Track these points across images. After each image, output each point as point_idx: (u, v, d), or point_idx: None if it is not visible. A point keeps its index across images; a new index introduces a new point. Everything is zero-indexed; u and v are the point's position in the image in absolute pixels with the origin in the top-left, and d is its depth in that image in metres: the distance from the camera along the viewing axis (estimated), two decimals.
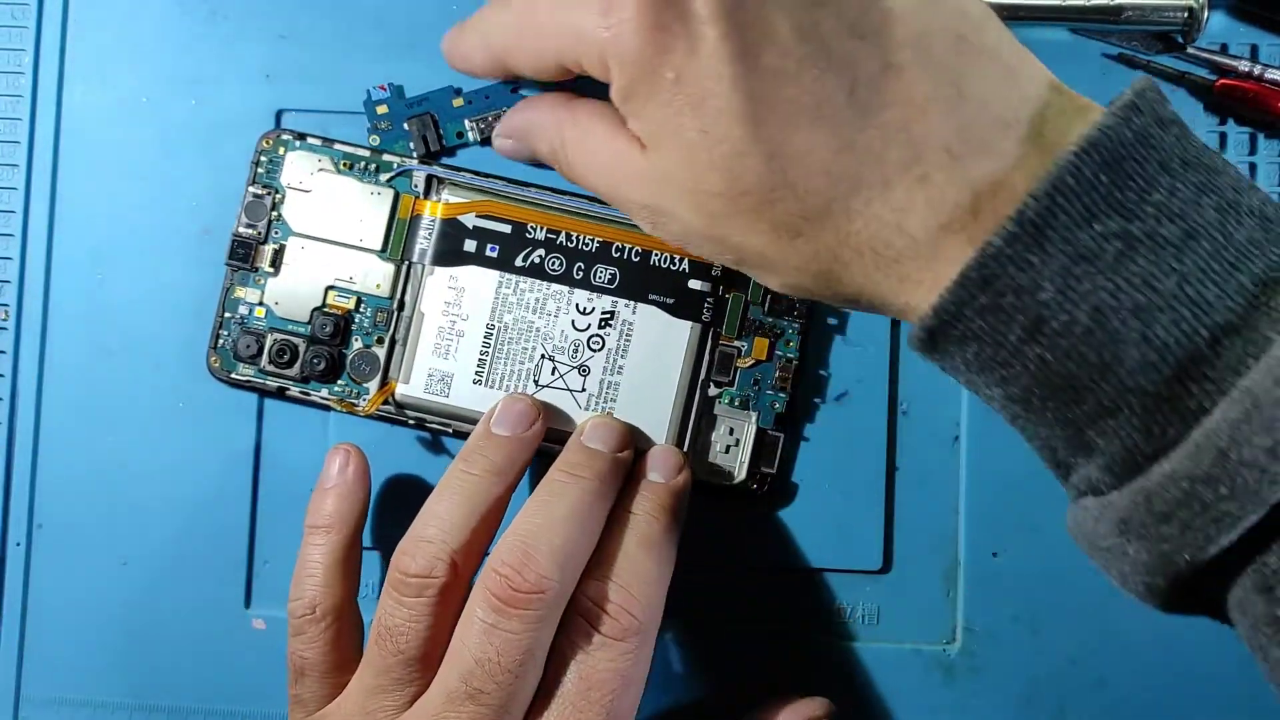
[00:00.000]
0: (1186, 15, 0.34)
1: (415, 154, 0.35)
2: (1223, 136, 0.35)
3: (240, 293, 0.34)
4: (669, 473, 0.31)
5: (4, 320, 0.36)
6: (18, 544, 0.35)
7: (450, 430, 0.34)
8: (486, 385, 0.33)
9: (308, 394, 0.34)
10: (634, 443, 0.32)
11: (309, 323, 0.34)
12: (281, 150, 0.34)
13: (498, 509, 0.30)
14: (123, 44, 0.36)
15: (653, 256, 0.33)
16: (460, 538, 0.29)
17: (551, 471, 0.30)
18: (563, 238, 0.33)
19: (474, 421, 0.32)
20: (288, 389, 0.34)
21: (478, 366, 0.33)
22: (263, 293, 0.34)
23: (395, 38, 0.36)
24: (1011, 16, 0.34)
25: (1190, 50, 0.35)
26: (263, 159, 0.34)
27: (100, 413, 0.35)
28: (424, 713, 0.27)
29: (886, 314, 0.25)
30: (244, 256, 0.34)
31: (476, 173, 0.34)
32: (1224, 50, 0.35)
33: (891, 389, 0.35)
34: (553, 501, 0.29)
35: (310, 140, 0.34)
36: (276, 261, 0.34)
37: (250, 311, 0.34)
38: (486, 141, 0.35)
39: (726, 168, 0.23)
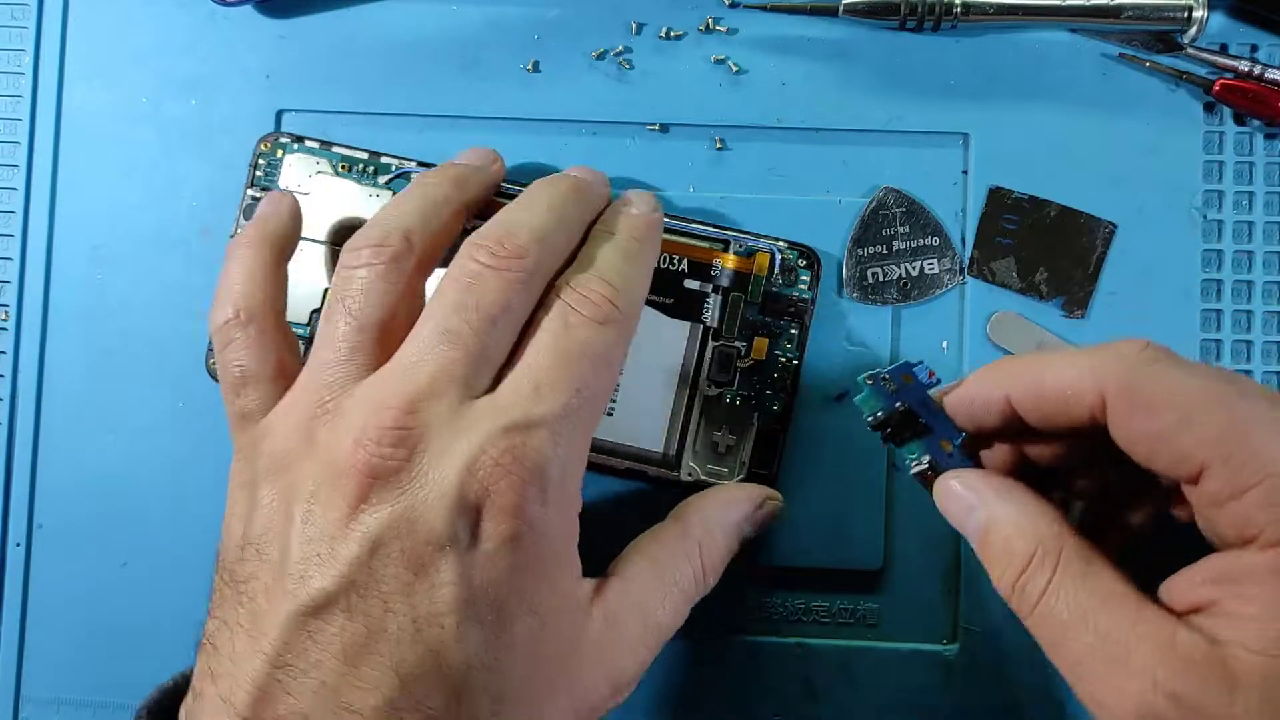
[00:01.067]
0: (1186, 15, 0.34)
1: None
2: (1222, 136, 0.35)
3: None
4: (646, 208, 0.31)
5: (4, 320, 0.36)
6: (18, 544, 0.35)
7: None
8: None
9: None
10: (608, 182, 0.32)
11: (308, 324, 0.34)
12: (280, 153, 0.34)
13: (455, 218, 0.30)
14: (123, 44, 0.36)
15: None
16: (413, 221, 0.28)
17: (530, 184, 0.30)
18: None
19: None
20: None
21: None
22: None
23: (395, 38, 0.36)
24: (1012, 16, 0.34)
25: (1190, 50, 0.35)
26: (261, 162, 0.34)
27: (100, 413, 0.35)
28: (396, 363, 0.26)
29: None
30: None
31: None
32: (1224, 50, 0.35)
33: None
34: (529, 196, 0.29)
35: (308, 143, 0.34)
36: None
37: None
38: None
39: None
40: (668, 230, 0.33)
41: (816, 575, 0.35)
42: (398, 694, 0.23)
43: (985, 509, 0.26)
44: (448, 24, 0.36)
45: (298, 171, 0.34)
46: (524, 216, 0.28)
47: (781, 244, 0.34)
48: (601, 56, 0.36)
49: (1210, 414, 0.22)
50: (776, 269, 0.34)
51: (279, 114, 0.36)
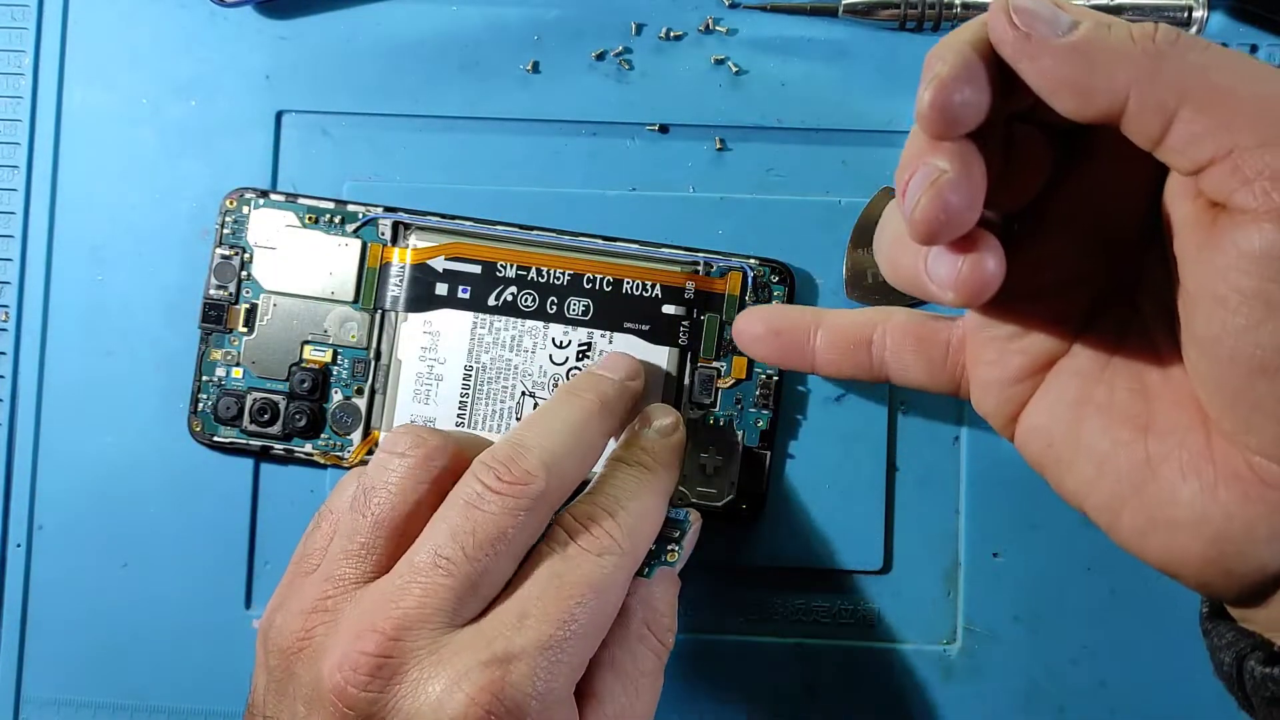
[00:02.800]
0: (1186, 15, 0.34)
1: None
2: None
3: (216, 355, 0.34)
4: (667, 427, 0.31)
5: (4, 321, 0.36)
6: (18, 545, 0.35)
7: None
8: (469, 427, 0.33)
9: (292, 451, 0.34)
10: (643, 375, 0.32)
11: (287, 379, 0.34)
12: (245, 209, 0.34)
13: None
14: (123, 44, 0.36)
15: (624, 285, 0.34)
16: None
17: (555, 391, 0.30)
18: (533, 273, 0.33)
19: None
20: (271, 448, 0.34)
21: (459, 409, 0.33)
22: (239, 353, 0.34)
23: (395, 38, 0.36)
24: None
25: None
26: (227, 219, 0.34)
27: (100, 413, 0.35)
28: (387, 582, 0.26)
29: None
30: (217, 318, 0.34)
31: (442, 215, 0.34)
32: None
33: (891, 389, 0.35)
34: (549, 412, 0.29)
35: (273, 197, 0.34)
36: (250, 321, 0.34)
37: (228, 373, 0.34)
38: None
39: None
40: (639, 258, 0.34)
41: (816, 575, 0.35)
42: None
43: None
44: (448, 24, 0.36)
45: (265, 227, 0.34)
46: (538, 436, 0.28)
47: (753, 261, 0.34)
48: (601, 57, 0.36)
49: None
50: (749, 287, 0.34)
51: (279, 114, 0.36)
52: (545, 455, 0.27)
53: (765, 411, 0.34)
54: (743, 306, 0.34)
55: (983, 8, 0.34)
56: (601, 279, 0.34)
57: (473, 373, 0.33)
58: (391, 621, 0.25)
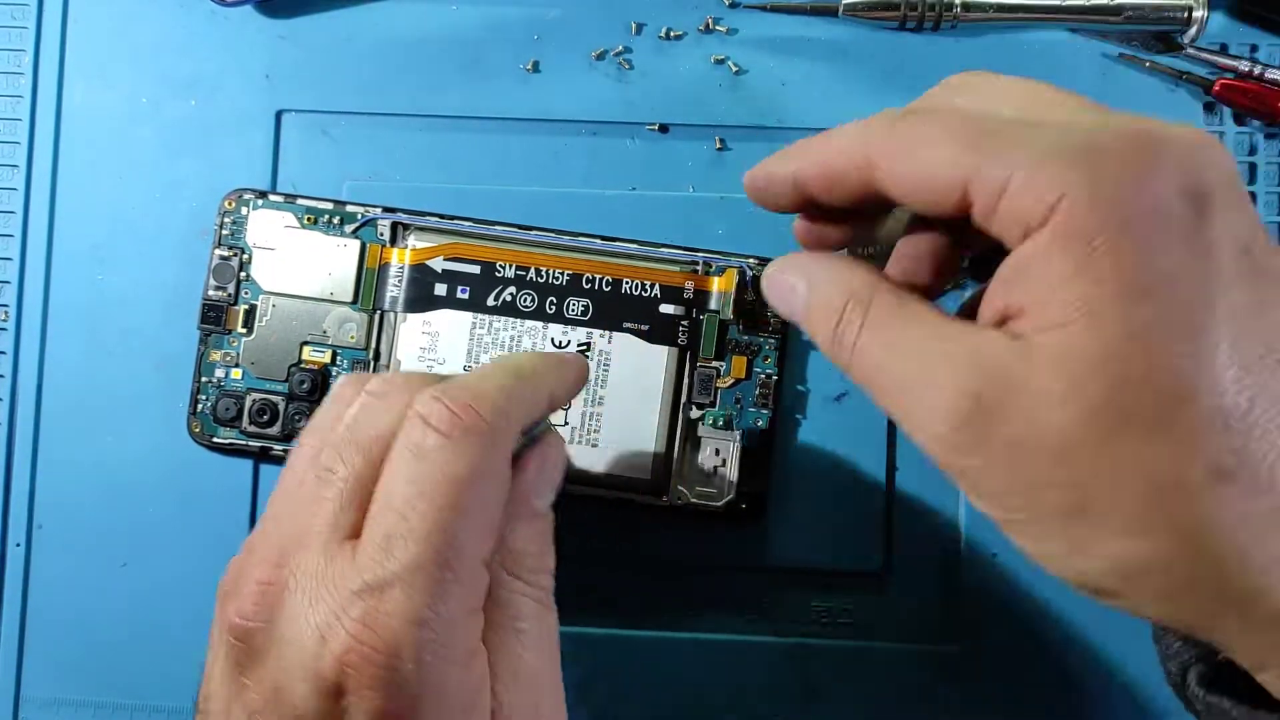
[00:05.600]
0: (1186, 15, 0.34)
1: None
2: (1222, 136, 0.35)
3: (215, 356, 0.34)
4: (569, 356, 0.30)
5: (4, 320, 0.36)
6: (18, 544, 0.35)
7: None
8: None
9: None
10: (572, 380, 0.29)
11: (287, 380, 0.34)
12: (244, 210, 0.34)
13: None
14: (123, 44, 0.36)
15: (624, 285, 0.34)
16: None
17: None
18: (532, 273, 0.33)
19: None
20: (271, 449, 0.34)
21: None
22: (238, 354, 0.34)
23: (395, 38, 0.36)
24: (1012, 16, 0.34)
25: (1190, 50, 0.35)
26: (226, 220, 0.34)
27: (100, 413, 0.35)
28: (277, 508, 0.25)
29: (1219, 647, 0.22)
30: (216, 319, 0.34)
31: (441, 215, 0.34)
32: (1224, 50, 0.35)
33: None
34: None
35: (272, 197, 0.34)
36: (249, 322, 0.34)
37: (227, 374, 0.34)
38: None
39: None
40: (639, 258, 0.34)
41: (816, 575, 0.35)
42: None
43: (804, 280, 0.25)
44: (448, 24, 0.36)
45: (264, 227, 0.34)
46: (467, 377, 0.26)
47: (752, 261, 0.34)
48: (601, 56, 0.36)
49: (955, 132, 0.22)
50: (747, 286, 0.34)
51: (279, 114, 0.36)
52: (455, 386, 0.25)
53: (765, 411, 0.34)
54: (740, 305, 0.34)
55: (983, 8, 0.34)
56: (601, 279, 0.34)
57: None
58: (276, 546, 0.24)
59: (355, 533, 0.23)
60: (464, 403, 0.24)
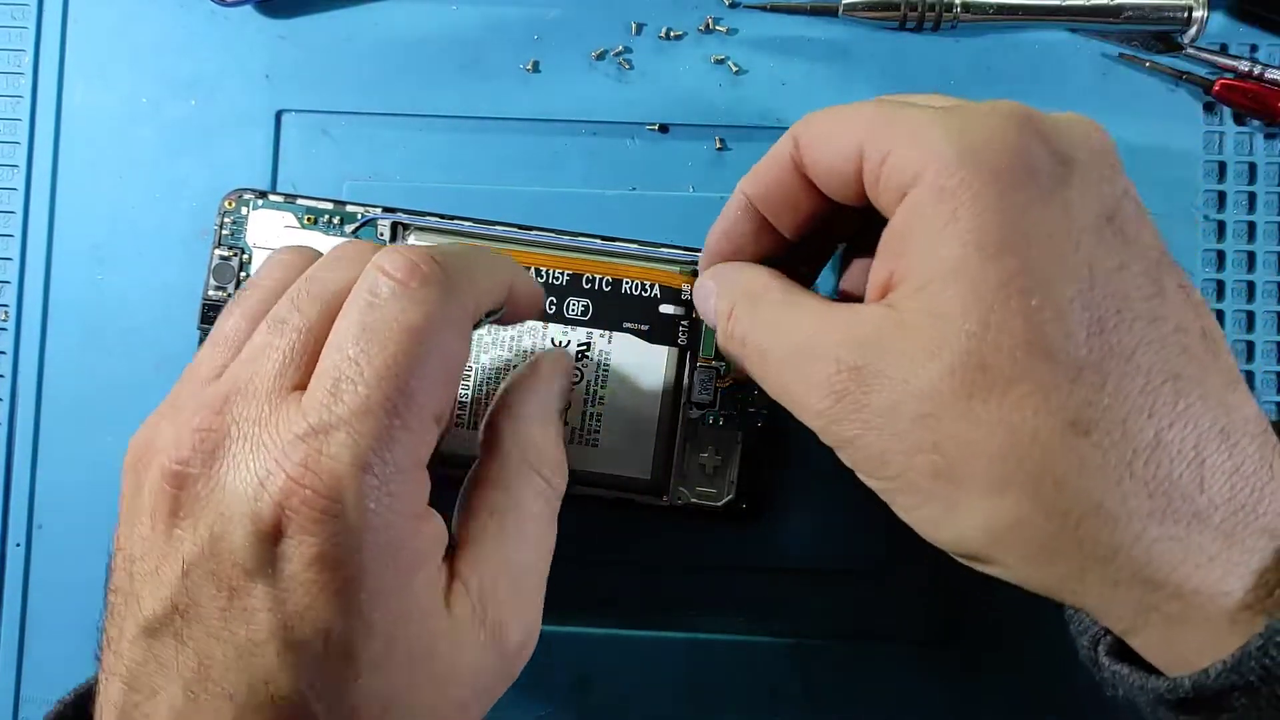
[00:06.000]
0: (1186, 15, 0.34)
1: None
2: (1222, 136, 0.35)
3: None
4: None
5: (4, 320, 0.36)
6: (17, 544, 0.35)
7: (436, 475, 0.34)
8: (469, 428, 0.33)
9: None
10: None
11: None
12: (244, 210, 0.34)
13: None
14: (123, 44, 0.36)
15: (624, 285, 0.33)
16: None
17: None
18: (532, 273, 0.33)
19: (464, 463, 0.28)
20: None
21: (458, 410, 0.33)
22: None
23: (395, 38, 0.36)
24: (1012, 16, 0.34)
25: (1190, 50, 0.35)
26: (226, 220, 0.34)
27: (100, 413, 0.35)
28: (241, 357, 0.24)
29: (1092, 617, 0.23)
30: (215, 319, 0.34)
31: (441, 215, 0.34)
32: (1224, 50, 0.35)
33: None
34: None
35: (272, 197, 0.34)
36: None
37: None
38: None
39: None
40: (639, 258, 0.34)
41: (816, 575, 0.35)
42: None
43: (714, 283, 0.27)
44: (448, 24, 0.36)
45: (264, 228, 0.34)
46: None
47: None
48: (601, 56, 0.36)
49: (860, 114, 0.24)
50: None
51: (279, 114, 0.36)
52: (416, 246, 0.25)
53: (765, 411, 0.34)
54: None
55: (983, 8, 0.34)
56: (600, 279, 0.33)
57: (472, 374, 0.33)
58: (220, 393, 0.23)
59: (302, 385, 0.23)
60: (424, 255, 0.23)
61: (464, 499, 0.26)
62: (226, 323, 0.25)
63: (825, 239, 0.29)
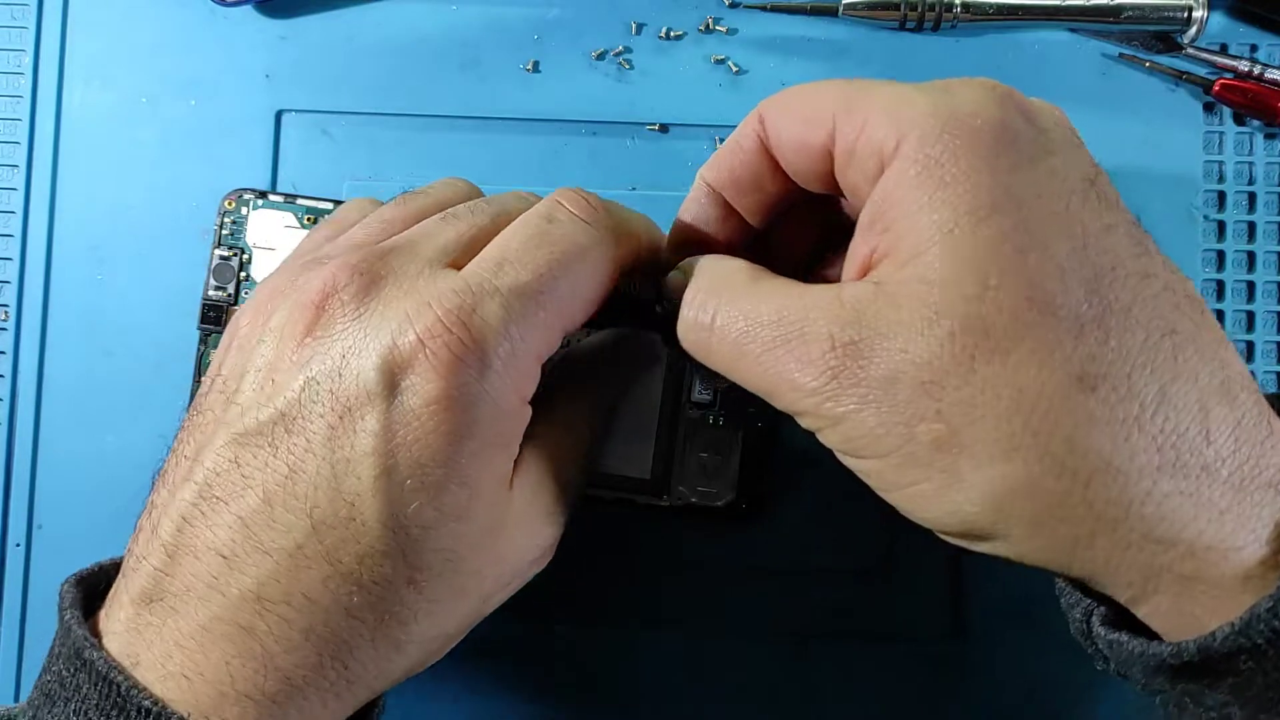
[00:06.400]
0: (1186, 15, 0.34)
1: None
2: (1222, 136, 0.35)
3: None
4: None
5: (4, 320, 0.36)
6: (17, 544, 0.35)
7: None
8: None
9: None
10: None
11: None
12: (244, 210, 0.34)
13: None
14: (123, 44, 0.36)
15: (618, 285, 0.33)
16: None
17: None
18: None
19: None
20: None
21: None
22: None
23: (395, 38, 0.36)
24: (1012, 16, 0.34)
25: (1190, 50, 0.35)
26: (226, 220, 0.34)
27: (100, 413, 0.35)
28: (408, 231, 0.26)
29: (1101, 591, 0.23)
30: (216, 319, 0.34)
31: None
32: (1224, 50, 0.35)
33: None
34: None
35: (272, 197, 0.34)
36: None
37: None
38: None
39: None
40: None
41: (816, 575, 0.35)
42: (308, 540, 0.22)
43: (684, 273, 0.26)
44: (448, 24, 0.36)
45: (264, 227, 0.34)
46: None
47: None
48: (601, 56, 0.36)
49: (829, 89, 0.24)
50: None
51: (279, 114, 0.36)
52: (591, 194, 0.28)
53: (765, 411, 0.34)
54: None
55: (983, 8, 0.34)
56: None
57: None
58: (382, 246, 0.25)
59: (458, 265, 0.25)
60: (598, 200, 0.27)
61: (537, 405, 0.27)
62: (390, 209, 0.28)
63: (795, 237, 0.29)
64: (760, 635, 0.35)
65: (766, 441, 0.34)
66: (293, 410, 0.23)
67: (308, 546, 0.22)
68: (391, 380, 0.22)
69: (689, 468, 0.33)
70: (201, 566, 0.22)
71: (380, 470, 0.22)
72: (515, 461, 0.25)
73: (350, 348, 0.23)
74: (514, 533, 0.25)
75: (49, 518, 0.35)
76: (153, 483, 0.25)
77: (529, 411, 0.25)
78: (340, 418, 0.22)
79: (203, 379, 0.25)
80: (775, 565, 0.35)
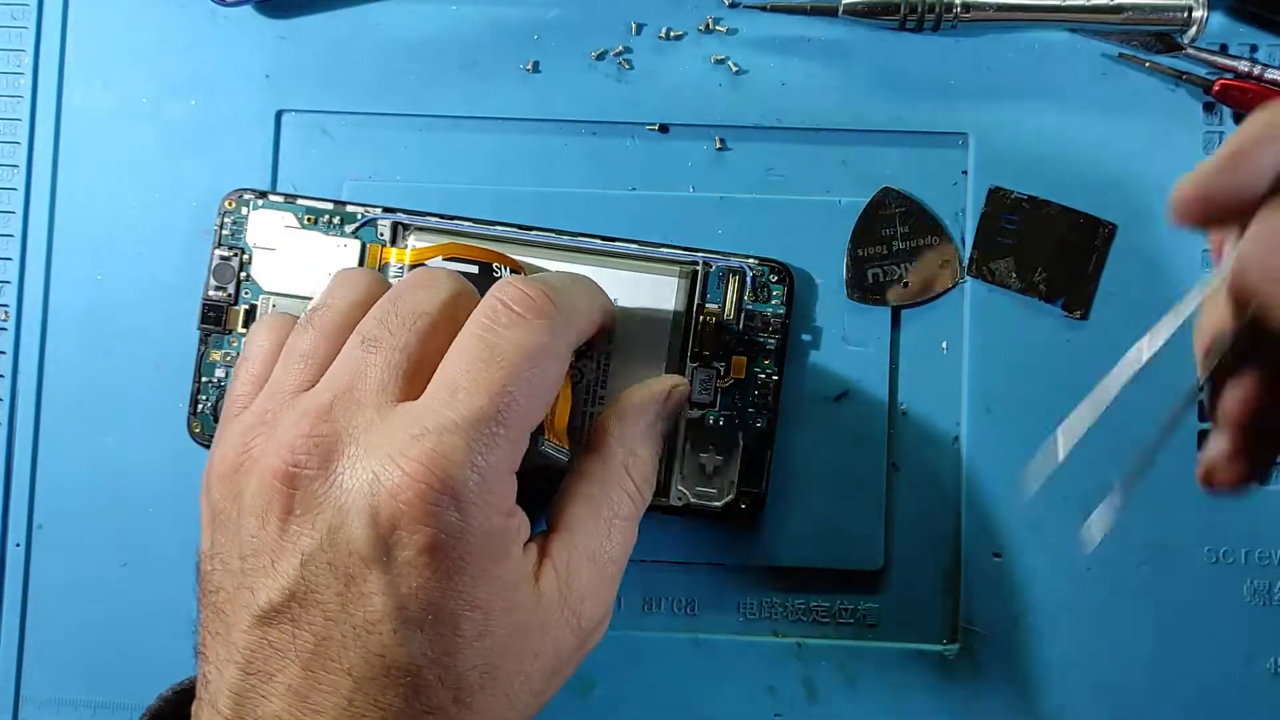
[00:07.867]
0: (1186, 15, 0.34)
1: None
2: (1222, 136, 0.35)
3: (215, 356, 0.34)
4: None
5: (4, 320, 0.36)
6: (17, 544, 0.35)
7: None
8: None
9: None
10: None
11: None
12: (244, 210, 0.34)
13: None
14: (123, 44, 0.36)
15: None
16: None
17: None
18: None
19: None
20: None
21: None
22: (238, 354, 0.34)
23: (395, 38, 0.36)
24: (1012, 16, 0.34)
25: (1190, 50, 0.35)
26: (226, 220, 0.34)
27: (100, 413, 0.35)
28: (326, 375, 0.26)
29: None
30: (216, 319, 0.34)
31: (441, 215, 0.34)
32: (1224, 50, 0.35)
33: (891, 389, 0.35)
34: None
35: (272, 198, 0.34)
36: (249, 322, 0.34)
37: (227, 374, 0.34)
38: None
39: None
40: (639, 258, 0.33)
41: (816, 575, 0.35)
42: (355, 694, 0.24)
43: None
44: (448, 24, 0.36)
45: (264, 228, 0.34)
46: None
47: (752, 261, 0.34)
48: (601, 56, 0.36)
49: None
50: (748, 287, 0.34)
51: (279, 114, 0.36)
52: (532, 279, 0.28)
53: (765, 411, 0.34)
54: (740, 306, 0.34)
55: (983, 8, 0.34)
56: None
57: None
58: (322, 402, 0.25)
59: (402, 398, 0.25)
60: (539, 289, 0.27)
61: (563, 489, 0.29)
62: (302, 339, 0.27)
63: None
64: (760, 635, 0.35)
65: (766, 441, 0.34)
66: (300, 588, 0.24)
67: (356, 699, 0.24)
68: (381, 542, 0.23)
69: (689, 468, 0.33)
70: None
71: (398, 623, 0.24)
72: (541, 552, 0.27)
73: (333, 522, 0.24)
74: (550, 624, 0.26)
75: (49, 518, 0.35)
76: (195, 656, 0.26)
77: (520, 514, 0.26)
78: (346, 585, 0.24)
79: (201, 557, 0.26)
80: (775, 565, 0.35)
